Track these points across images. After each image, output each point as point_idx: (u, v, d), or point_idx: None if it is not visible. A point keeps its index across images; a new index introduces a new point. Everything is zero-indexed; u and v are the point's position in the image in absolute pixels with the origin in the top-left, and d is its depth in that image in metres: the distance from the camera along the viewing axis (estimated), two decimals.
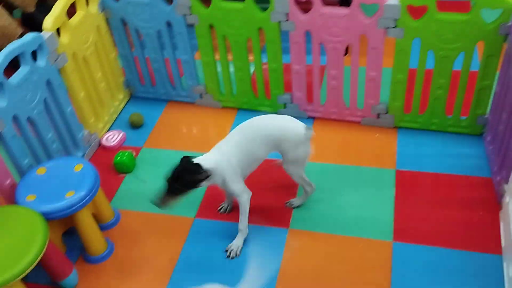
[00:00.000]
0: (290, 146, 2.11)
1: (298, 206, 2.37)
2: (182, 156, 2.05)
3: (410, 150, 2.61)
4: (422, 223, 2.25)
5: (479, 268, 2.05)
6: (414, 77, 2.53)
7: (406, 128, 2.72)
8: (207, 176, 2.01)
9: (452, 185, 2.41)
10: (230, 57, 2.80)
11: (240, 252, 2.21)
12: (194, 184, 2.02)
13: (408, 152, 2.59)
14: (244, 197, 2.15)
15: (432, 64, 2.44)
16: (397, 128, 2.73)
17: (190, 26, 2.72)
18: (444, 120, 2.61)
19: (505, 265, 2.02)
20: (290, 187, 2.48)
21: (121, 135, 2.89)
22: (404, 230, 2.23)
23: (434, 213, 2.29)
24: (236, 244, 2.21)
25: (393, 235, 2.21)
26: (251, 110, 2.95)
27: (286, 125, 2.14)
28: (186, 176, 1.99)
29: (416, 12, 2.34)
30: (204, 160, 2.05)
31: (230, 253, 2.20)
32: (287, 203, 2.39)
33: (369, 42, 2.43)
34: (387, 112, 2.68)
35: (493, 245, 2.12)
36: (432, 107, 2.58)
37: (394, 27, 2.34)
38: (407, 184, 2.44)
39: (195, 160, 2.03)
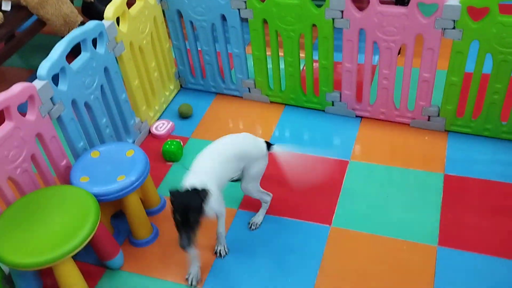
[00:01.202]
0: (254, 161, 2.15)
1: (259, 224, 2.34)
2: (170, 193, 1.89)
3: (461, 155, 2.55)
4: (469, 229, 2.21)
5: None
6: (468, 80, 2.47)
7: (458, 132, 2.66)
8: (207, 194, 1.88)
9: (502, 193, 2.35)
10: (281, 52, 2.81)
11: (227, 253, 2.25)
12: (202, 208, 1.87)
13: (458, 157, 2.54)
14: (224, 216, 2.17)
15: (489, 68, 2.38)
16: (448, 132, 2.67)
17: (244, 20, 2.75)
18: (499, 126, 2.53)
19: None
20: (333, 185, 2.48)
21: (170, 124, 2.96)
22: (450, 236, 2.19)
23: (482, 221, 2.24)
24: (221, 246, 2.24)
25: (438, 240, 2.18)
26: (299, 107, 2.96)
27: (251, 141, 2.18)
28: (192, 204, 1.85)
29: (476, 13, 2.28)
30: (193, 184, 1.91)
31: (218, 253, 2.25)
32: (249, 224, 2.35)
33: (425, 43, 2.39)
34: (438, 115, 2.63)
35: None
36: (486, 112, 2.51)
37: (453, 28, 2.29)
38: (455, 189, 2.39)
39: (186, 187, 1.91)
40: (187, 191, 1.88)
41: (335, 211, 2.36)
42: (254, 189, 2.25)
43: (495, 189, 2.37)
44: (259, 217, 2.36)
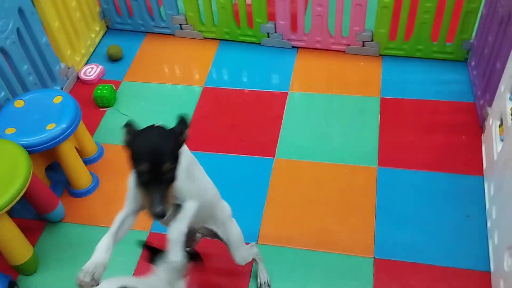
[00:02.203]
0: None
1: (268, 279, 1.91)
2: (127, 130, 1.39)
3: (395, 77, 2.60)
4: (406, 148, 2.28)
5: (461, 189, 2.11)
6: (400, 3, 2.47)
7: (391, 56, 2.69)
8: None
9: (435, 111, 2.43)
10: None
11: None
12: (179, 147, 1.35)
13: (393, 80, 2.58)
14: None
15: None
16: (382, 56, 2.70)
17: None
18: (430, 46, 2.58)
19: (486, 185, 2.08)
20: (274, 117, 2.47)
21: (99, 68, 2.80)
22: (388, 156, 2.26)
23: (418, 139, 2.32)
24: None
25: (378, 161, 2.24)
26: (234, 41, 2.88)
27: None
28: (165, 143, 1.31)
29: None
30: None
31: None
32: (260, 286, 1.90)
33: None
34: (372, 40, 2.64)
35: (475, 167, 2.17)
36: (417, 34, 2.54)
37: None
38: (392, 112, 2.44)
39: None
40: (155, 127, 1.33)
41: (278, 143, 2.36)
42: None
43: (429, 108, 2.45)
44: (264, 273, 1.91)
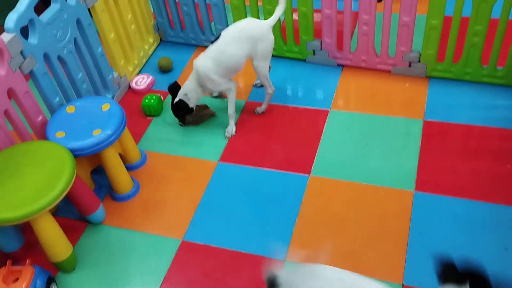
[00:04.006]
0: (257, 41, 2.38)
1: (263, 111, 2.62)
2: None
3: (441, 100, 2.53)
4: (447, 174, 2.21)
5: (502, 220, 2.01)
6: (449, 24, 2.42)
7: (439, 78, 2.63)
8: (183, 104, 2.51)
9: (482, 137, 2.34)
10: (260, 2, 2.74)
11: (235, 132, 2.54)
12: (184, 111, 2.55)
13: (439, 103, 2.52)
14: (231, 90, 2.49)
15: (469, 12, 2.32)
16: (429, 78, 2.64)
17: None
18: (479, 70, 2.50)
19: None
20: (313, 135, 2.47)
21: (150, 78, 2.92)
22: (427, 181, 2.20)
23: (460, 165, 2.24)
24: (230, 128, 2.54)
25: (415, 185, 2.18)
26: (280, 57, 2.91)
27: (253, 23, 2.44)
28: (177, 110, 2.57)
29: None
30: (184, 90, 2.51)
31: (226, 134, 2.53)
32: (255, 112, 2.64)
33: None
34: (419, 61, 2.59)
35: None
36: (466, 56, 2.47)
37: None
38: (435, 135, 2.38)
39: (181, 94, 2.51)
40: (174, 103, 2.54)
41: (314, 160, 2.36)
42: (263, 69, 2.46)
43: (475, 133, 2.37)
44: (262, 107, 2.63)
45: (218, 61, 2.38)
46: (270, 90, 2.55)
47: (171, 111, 2.60)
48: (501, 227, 1.99)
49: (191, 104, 2.50)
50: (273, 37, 2.43)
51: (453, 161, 2.26)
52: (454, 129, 2.40)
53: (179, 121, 2.63)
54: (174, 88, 2.54)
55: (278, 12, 2.43)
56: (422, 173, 2.23)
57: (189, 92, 2.48)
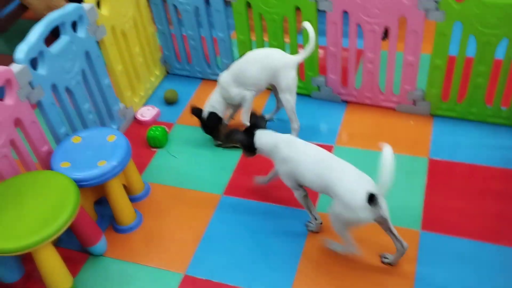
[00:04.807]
0: (279, 71, 2.44)
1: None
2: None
3: (446, 139, 2.54)
4: (453, 213, 2.20)
5: (510, 262, 1.99)
6: (453, 64, 2.45)
7: (443, 116, 2.64)
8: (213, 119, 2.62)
9: (487, 177, 2.34)
10: (266, 37, 2.78)
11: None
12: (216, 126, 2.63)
13: (443, 141, 2.53)
14: (246, 99, 2.56)
15: (472, 52, 2.36)
16: (433, 116, 2.66)
17: (228, 3, 2.71)
18: (483, 110, 2.52)
19: None
20: None
21: (155, 110, 2.93)
22: (433, 220, 2.18)
23: (466, 205, 2.23)
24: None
25: (421, 224, 2.17)
26: None
27: (278, 54, 2.49)
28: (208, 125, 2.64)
29: None
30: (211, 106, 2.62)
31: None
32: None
33: (408, 25, 2.37)
34: (423, 99, 2.61)
35: None
36: (471, 96, 2.49)
37: (436, 9, 2.27)
38: (440, 174, 2.38)
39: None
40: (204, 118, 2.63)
41: (319, 196, 2.35)
42: (288, 103, 2.50)
43: (480, 173, 2.36)
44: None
45: (236, 77, 2.51)
46: (295, 125, 2.56)
47: (175, 143, 2.59)
48: (509, 269, 1.97)
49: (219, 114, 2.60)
50: (294, 74, 2.46)
51: (458, 200, 2.25)
52: (459, 168, 2.40)
53: (214, 137, 2.68)
54: (197, 110, 2.63)
55: (307, 50, 2.44)
56: (428, 212, 2.21)
57: (215, 104, 2.58)
